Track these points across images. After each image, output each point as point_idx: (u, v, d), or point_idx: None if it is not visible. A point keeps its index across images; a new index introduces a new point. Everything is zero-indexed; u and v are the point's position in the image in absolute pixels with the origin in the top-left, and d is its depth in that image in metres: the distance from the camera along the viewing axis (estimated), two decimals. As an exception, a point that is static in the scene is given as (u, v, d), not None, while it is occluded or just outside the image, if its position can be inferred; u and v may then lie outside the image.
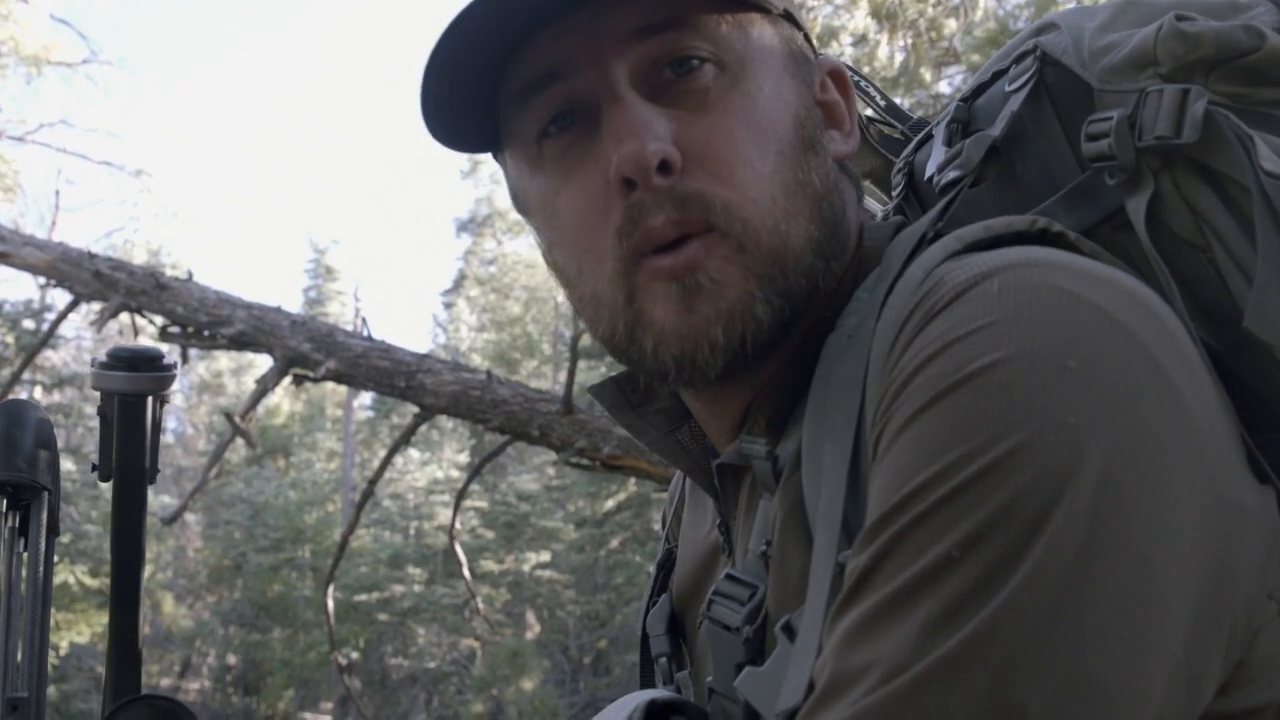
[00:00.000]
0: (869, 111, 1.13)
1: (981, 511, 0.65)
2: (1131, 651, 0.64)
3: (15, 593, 0.99)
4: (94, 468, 1.10)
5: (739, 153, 0.86)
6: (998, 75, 0.95)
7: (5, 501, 1.03)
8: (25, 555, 1.02)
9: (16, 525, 1.02)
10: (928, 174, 0.97)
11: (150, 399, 1.09)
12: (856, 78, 1.09)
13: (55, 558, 1.06)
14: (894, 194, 1.03)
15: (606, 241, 0.87)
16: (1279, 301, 0.76)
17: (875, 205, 1.10)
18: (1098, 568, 0.64)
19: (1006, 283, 0.72)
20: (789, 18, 0.94)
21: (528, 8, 0.84)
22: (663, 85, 0.87)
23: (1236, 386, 0.78)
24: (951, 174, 0.93)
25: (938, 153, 0.96)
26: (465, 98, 0.91)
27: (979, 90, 0.97)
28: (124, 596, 1.10)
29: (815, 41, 0.99)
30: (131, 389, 1.09)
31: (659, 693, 1.00)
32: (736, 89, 0.87)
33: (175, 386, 1.10)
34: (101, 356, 1.09)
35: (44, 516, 1.03)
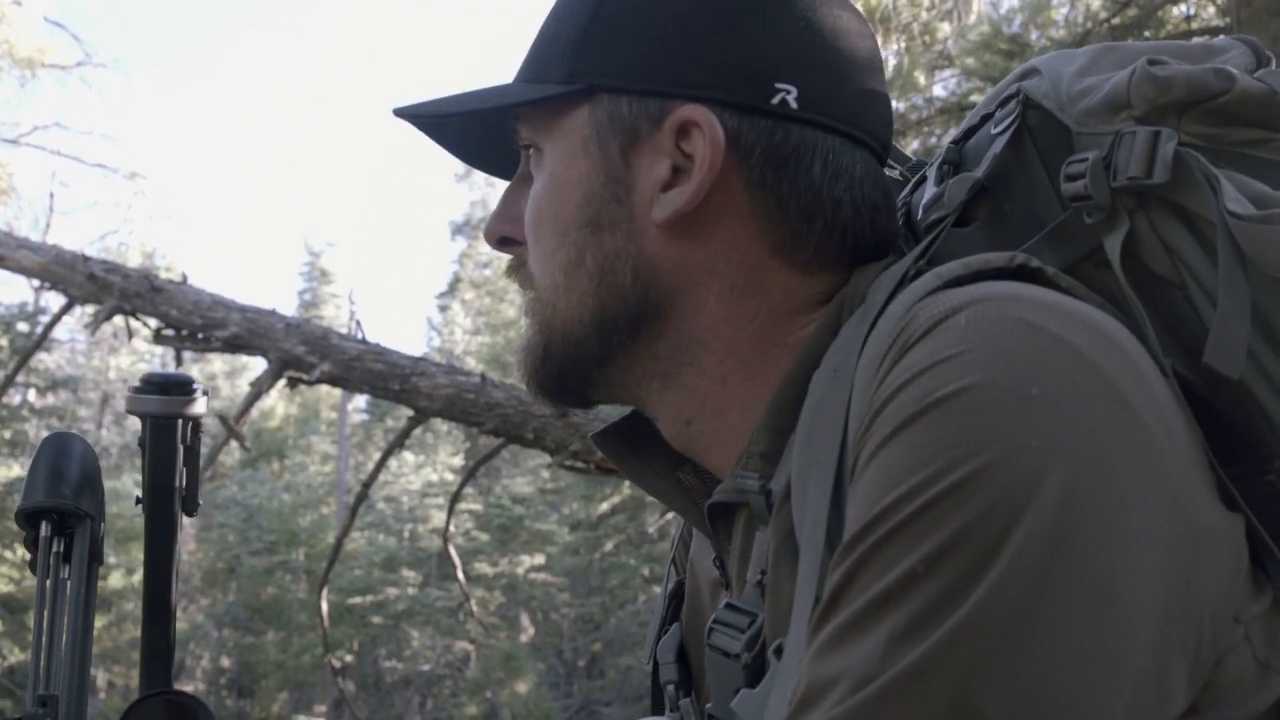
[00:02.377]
0: None
1: (946, 529, 0.68)
2: (1093, 665, 0.66)
3: (58, 613, 1.03)
4: (138, 501, 1.15)
5: (534, 231, 0.99)
6: (986, 118, 0.97)
7: (50, 527, 1.08)
8: (69, 581, 1.07)
9: (61, 551, 1.07)
10: (919, 214, 1.00)
11: (180, 422, 1.15)
12: None
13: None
14: None
15: None
16: (1239, 337, 0.78)
17: None
18: (1059, 583, 0.66)
19: (974, 316, 0.76)
20: (605, 89, 0.96)
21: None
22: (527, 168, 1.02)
23: (1214, 418, 0.80)
24: (936, 214, 0.96)
25: (929, 194, 0.99)
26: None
27: (969, 133, 0.99)
28: (156, 609, 1.15)
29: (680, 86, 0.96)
30: (162, 412, 1.14)
31: (664, 719, 1.03)
32: (540, 173, 0.99)
33: (204, 411, 1.15)
34: (135, 382, 1.15)
35: (87, 543, 1.08)
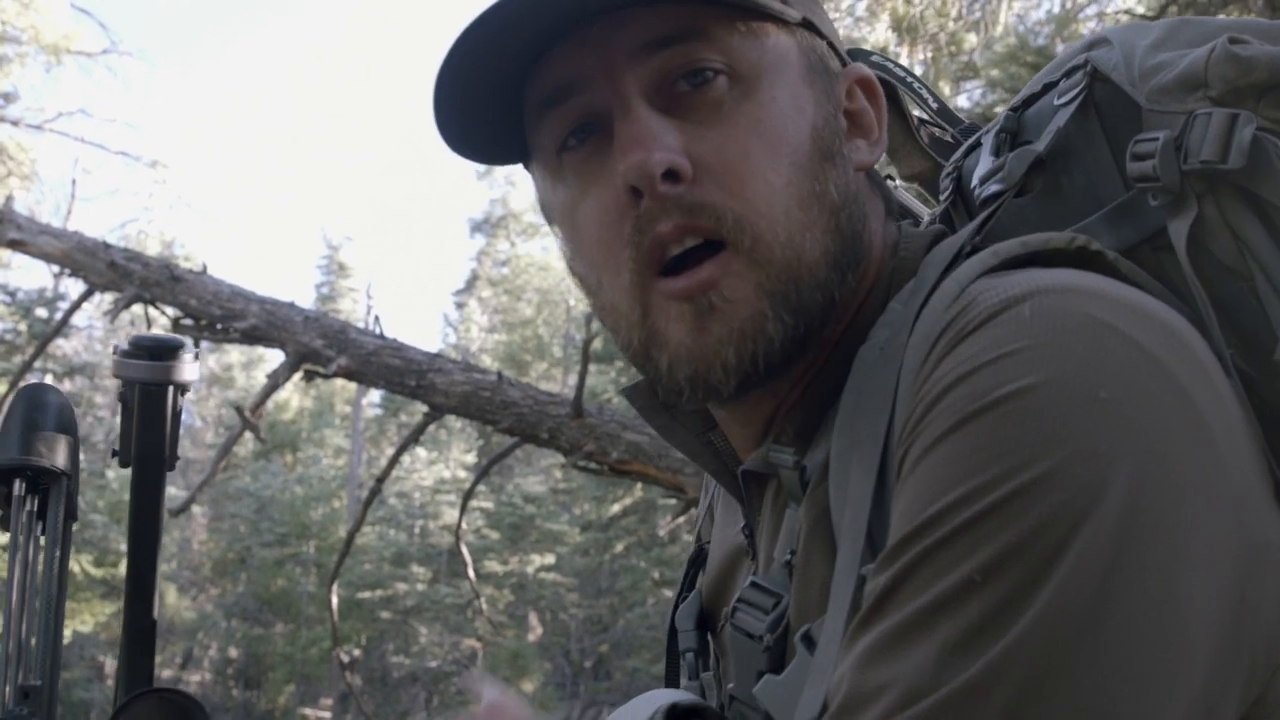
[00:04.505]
0: (920, 113, 1.12)
1: (1004, 537, 0.64)
2: (1150, 683, 0.63)
3: (32, 577, 1.00)
4: (114, 453, 1.10)
5: (752, 165, 0.85)
6: (1048, 87, 0.94)
7: (24, 485, 1.03)
8: (43, 540, 1.02)
9: (35, 509, 1.03)
10: (973, 183, 0.97)
11: (171, 388, 1.10)
12: (909, 79, 1.09)
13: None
14: (941, 198, 1.03)
15: (622, 253, 0.87)
16: None
17: (922, 208, 1.09)
18: (1118, 597, 0.63)
19: (1039, 308, 0.71)
20: (809, 26, 0.92)
21: (539, 23, 0.85)
22: (676, 97, 0.87)
23: (1271, 413, 0.76)
24: (993, 187, 0.92)
25: (985, 162, 0.95)
26: (487, 110, 0.92)
27: (1029, 101, 0.96)
28: (139, 587, 1.11)
29: (842, 49, 0.98)
30: (152, 378, 1.09)
31: (681, 694, 1.00)
32: (750, 100, 0.86)
33: (195, 376, 1.11)
34: (123, 344, 1.10)
35: (62, 501, 1.03)
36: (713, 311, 0.85)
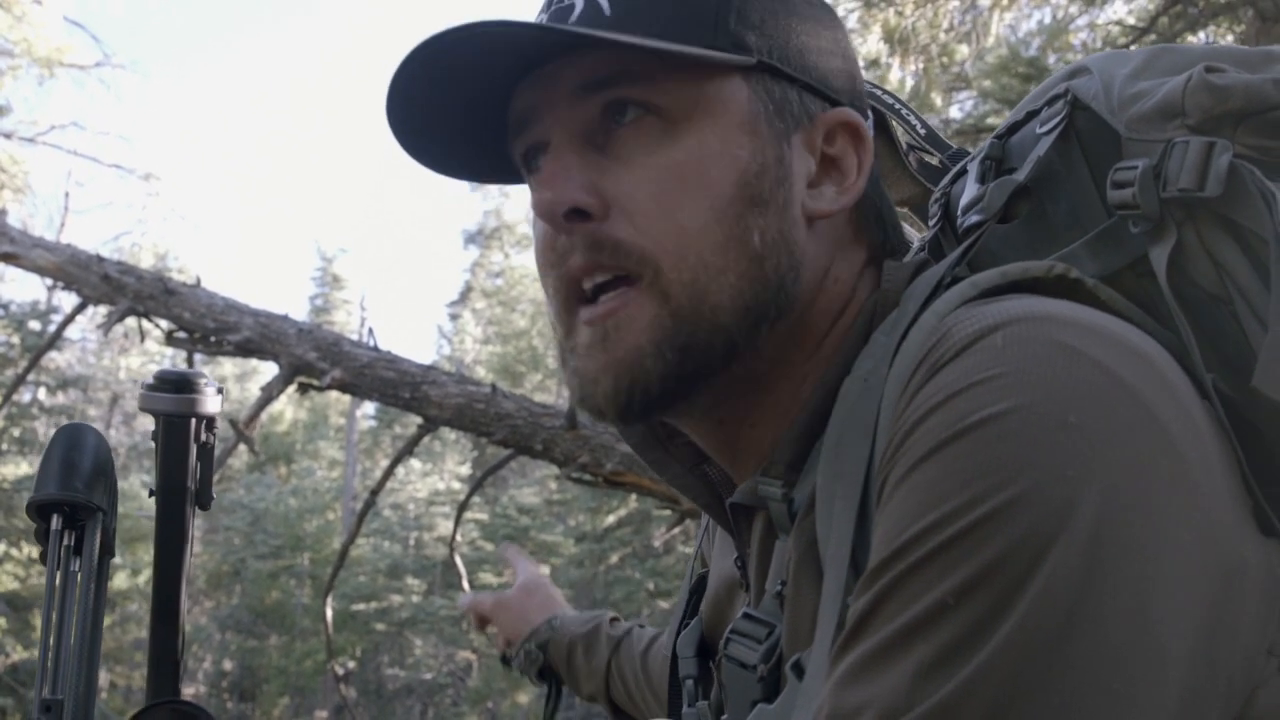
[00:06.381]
0: (908, 138, 1.13)
1: (976, 560, 0.66)
2: (1123, 704, 0.64)
3: (68, 607, 1.02)
4: (151, 493, 1.15)
5: (663, 205, 0.87)
6: (1031, 115, 0.95)
7: (62, 520, 1.06)
8: (78, 574, 1.05)
9: (72, 544, 1.06)
10: (957, 211, 0.98)
11: (193, 421, 1.14)
12: (897, 104, 1.11)
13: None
14: (930, 224, 1.04)
15: (549, 277, 0.93)
16: None
17: (913, 233, 1.10)
18: (1089, 618, 0.64)
19: (1011, 337, 0.73)
20: (770, 70, 0.92)
21: (505, 60, 0.91)
22: (608, 135, 0.90)
23: (1253, 436, 0.78)
24: (975, 217, 0.94)
25: (970, 189, 0.97)
26: (475, 130, 0.97)
27: (1014, 128, 0.97)
28: (165, 611, 1.14)
29: (829, 88, 0.97)
30: (175, 410, 1.13)
31: None
32: (674, 141, 0.89)
33: (218, 409, 1.15)
34: (149, 379, 1.14)
35: (98, 536, 1.06)
36: (605, 340, 0.89)
